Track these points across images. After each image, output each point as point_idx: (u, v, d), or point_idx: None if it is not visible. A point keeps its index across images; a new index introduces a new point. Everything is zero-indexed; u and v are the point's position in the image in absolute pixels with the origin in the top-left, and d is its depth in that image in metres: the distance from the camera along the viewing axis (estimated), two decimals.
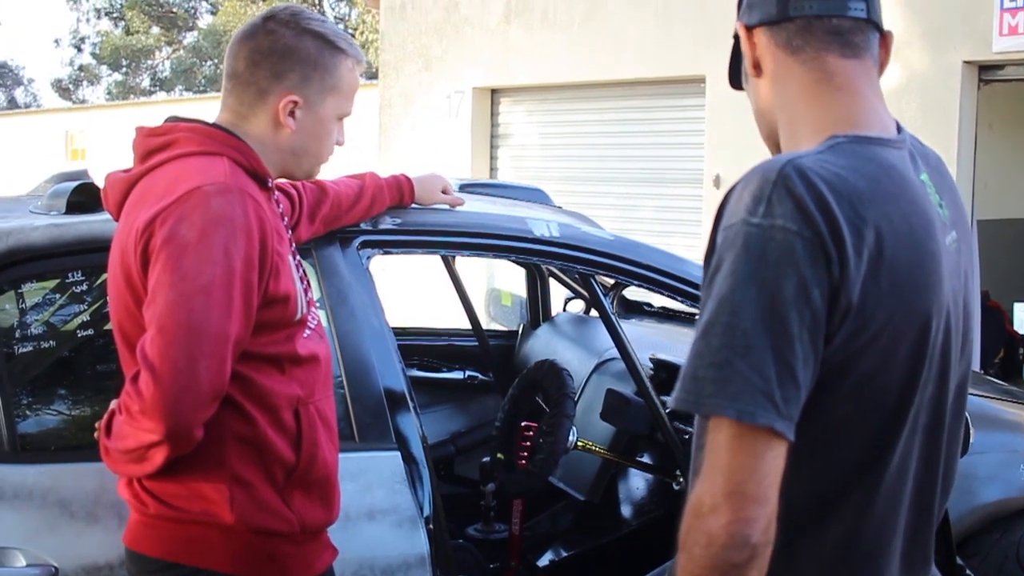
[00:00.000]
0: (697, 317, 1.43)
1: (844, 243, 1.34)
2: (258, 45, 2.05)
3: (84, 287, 2.47)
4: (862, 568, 1.49)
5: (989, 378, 4.17)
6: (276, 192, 2.17)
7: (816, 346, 1.35)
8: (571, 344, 4.13)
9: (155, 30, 37.63)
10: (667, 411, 3.07)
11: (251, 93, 2.05)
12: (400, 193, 2.69)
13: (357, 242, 2.61)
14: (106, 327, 2.51)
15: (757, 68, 1.59)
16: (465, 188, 3.48)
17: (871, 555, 1.49)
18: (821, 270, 1.33)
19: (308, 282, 2.14)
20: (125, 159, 2.10)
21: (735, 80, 1.75)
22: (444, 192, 2.79)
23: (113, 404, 1.98)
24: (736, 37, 1.67)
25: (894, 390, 1.43)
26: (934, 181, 1.55)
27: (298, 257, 2.14)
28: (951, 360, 1.52)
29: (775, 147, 1.63)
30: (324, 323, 2.32)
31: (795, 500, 1.35)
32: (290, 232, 2.18)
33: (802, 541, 1.44)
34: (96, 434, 2.01)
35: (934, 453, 1.54)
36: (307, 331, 2.09)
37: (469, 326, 4.35)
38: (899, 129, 1.57)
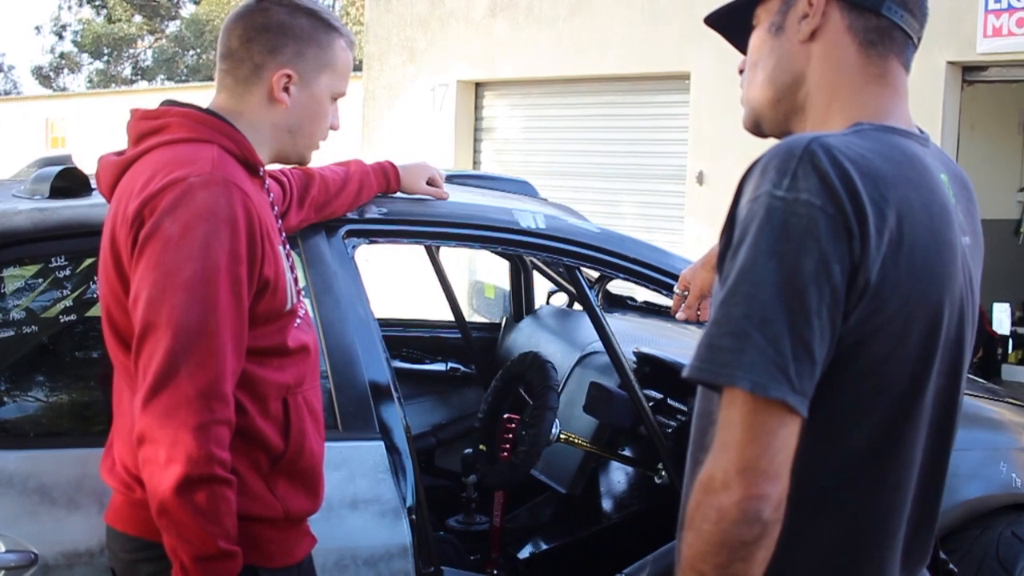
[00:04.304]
0: (714, 292, 1.43)
1: (867, 221, 1.34)
2: (252, 22, 2.05)
3: (67, 272, 2.44)
4: (864, 560, 1.48)
5: (970, 376, 4.19)
6: (267, 180, 2.15)
7: (834, 323, 1.34)
8: (554, 337, 4.13)
9: (137, 19, 37.45)
10: (650, 405, 3.08)
11: (246, 69, 2.04)
12: (386, 179, 2.69)
13: (343, 231, 2.60)
14: (88, 313, 2.49)
15: (812, 35, 1.57)
16: (451, 179, 3.47)
17: (874, 547, 1.48)
18: (843, 246, 1.33)
19: (295, 272, 2.13)
20: (105, 147, 2.08)
21: (724, 21, 1.71)
22: (431, 183, 2.78)
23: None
24: None
25: (905, 377, 1.42)
26: (954, 189, 1.55)
27: (288, 247, 2.12)
28: (964, 355, 1.52)
29: (781, 115, 1.61)
30: (310, 312, 2.31)
31: (798, 484, 1.34)
32: (280, 221, 2.16)
33: (804, 528, 1.42)
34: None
35: (942, 447, 1.54)
36: (297, 321, 2.07)
37: (452, 318, 4.34)
38: (921, 132, 1.59)
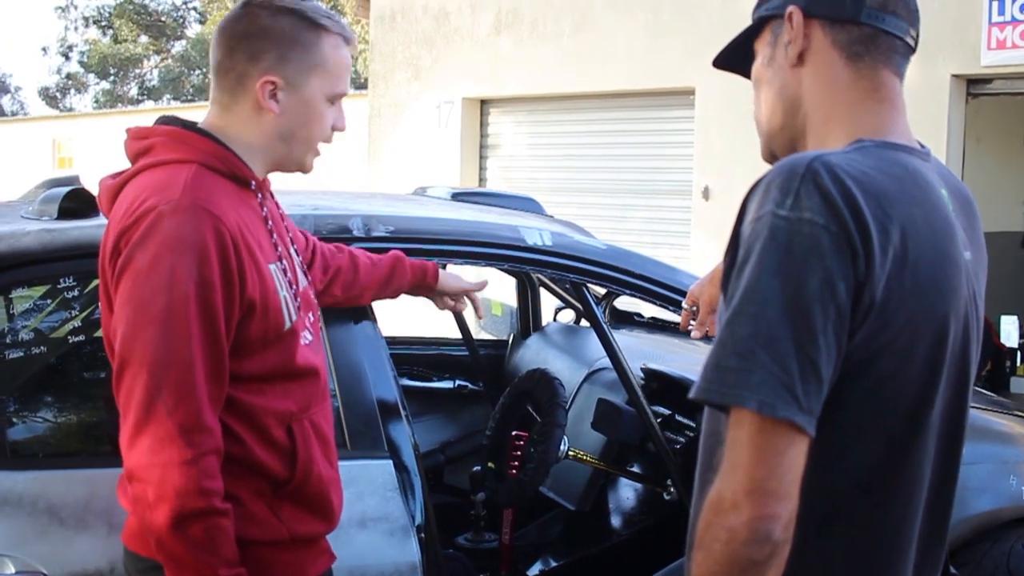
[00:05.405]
0: (718, 312, 1.43)
1: (871, 239, 1.34)
2: (234, 30, 1.99)
3: (75, 293, 2.44)
4: None
5: (979, 389, 4.18)
6: (265, 195, 2.08)
7: (840, 341, 1.34)
8: (561, 354, 4.13)
9: (143, 39, 37.60)
10: (658, 421, 3.07)
11: (231, 80, 1.99)
12: (424, 274, 2.66)
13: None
14: (96, 333, 2.49)
15: (800, 58, 1.57)
16: (457, 196, 3.48)
17: (885, 563, 1.48)
18: (847, 264, 1.33)
19: (303, 288, 2.11)
20: (112, 168, 2.07)
21: (730, 60, 1.72)
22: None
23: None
24: (761, 20, 1.64)
25: (911, 393, 1.43)
26: (953, 204, 1.55)
27: (286, 263, 2.06)
28: (969, 369, 1.52)
29: (787, 141, 1.62)
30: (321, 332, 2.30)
31: (808, 502, 1.34)
32: (274, 236, 2.09)
33: (814, 546, 1.42)
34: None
35: (950, 462, 1.54)
36: (306, 337, 2.05)
37: (459, 335, 4.34)
38: (922, 146, 1.59)
